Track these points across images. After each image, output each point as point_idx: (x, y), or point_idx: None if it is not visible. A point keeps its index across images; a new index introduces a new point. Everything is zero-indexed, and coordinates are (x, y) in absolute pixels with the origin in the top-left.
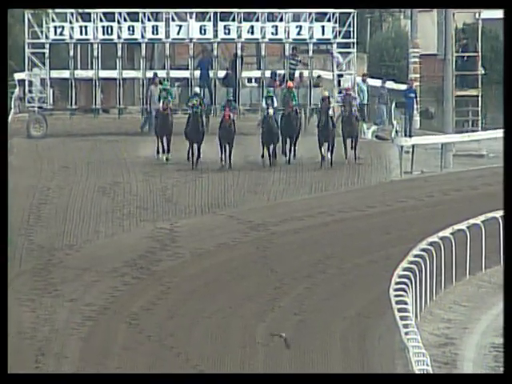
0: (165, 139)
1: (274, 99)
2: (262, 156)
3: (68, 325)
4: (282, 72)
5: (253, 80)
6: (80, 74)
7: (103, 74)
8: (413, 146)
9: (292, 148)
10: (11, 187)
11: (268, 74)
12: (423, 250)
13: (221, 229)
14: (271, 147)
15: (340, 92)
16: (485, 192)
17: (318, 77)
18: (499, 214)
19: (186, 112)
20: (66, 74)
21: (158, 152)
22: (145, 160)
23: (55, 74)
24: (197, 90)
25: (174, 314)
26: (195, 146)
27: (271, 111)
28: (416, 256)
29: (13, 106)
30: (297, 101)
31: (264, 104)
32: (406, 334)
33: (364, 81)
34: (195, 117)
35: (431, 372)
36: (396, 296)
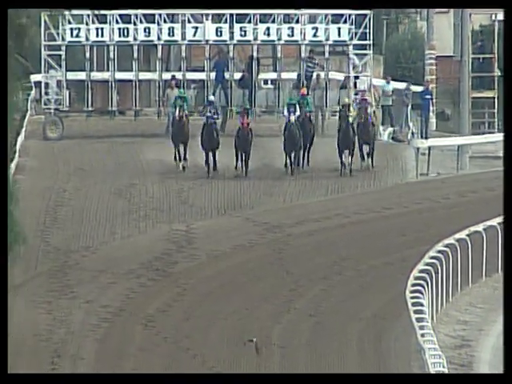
0: (181, 147)
1: (297, 106)
2: (286, 165)
3: (84, 326)
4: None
5: (269, 82)
6: (96, 75)
7: (119, 75)
8: (429, 148)
9: (306, 155)
10: (28, 189)
11: (284, 75)
12: (439, 251)
13: (237, 230)
14: (293, 155)
15: (356, 94)
16: (501, 194)
17: (346, 78)
18: None
19: (203, 113)
20: (82, 75)
21: (175, 159)
22: (161, 162)
23: (71, 75)
24: (211, 98)
25: (190, 315)
26: (210, 154)
27: (293, 118)
28: (432, 258)
29: (29, 107)
30: (310, 107)
31: (286, 111)
32: (422, 335)
33: (388, 82)
34: (210, 127)
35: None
36: (412, 298)
